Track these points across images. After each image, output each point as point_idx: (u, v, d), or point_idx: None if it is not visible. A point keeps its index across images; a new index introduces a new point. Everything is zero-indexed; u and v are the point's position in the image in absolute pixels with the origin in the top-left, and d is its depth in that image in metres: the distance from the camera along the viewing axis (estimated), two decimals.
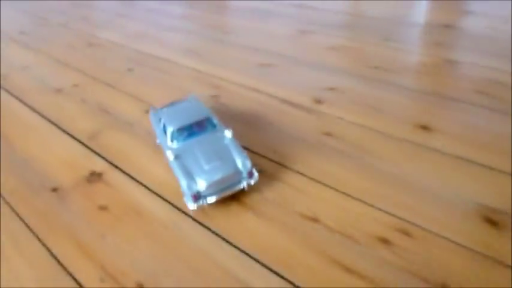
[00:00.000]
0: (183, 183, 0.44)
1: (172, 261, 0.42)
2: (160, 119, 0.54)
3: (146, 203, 0.51)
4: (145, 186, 0.54)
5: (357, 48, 0.95)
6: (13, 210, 0.51)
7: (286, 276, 0.39)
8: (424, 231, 0.44)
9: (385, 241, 0.43)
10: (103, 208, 0.51)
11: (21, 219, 0.49)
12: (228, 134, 0.49)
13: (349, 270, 0.40)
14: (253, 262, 0.41)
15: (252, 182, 0.47)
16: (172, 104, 0.57)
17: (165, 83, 0.84)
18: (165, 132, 0.51)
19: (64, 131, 0.68)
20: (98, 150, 0.62)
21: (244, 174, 0.47)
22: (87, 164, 0.59)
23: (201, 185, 0.44)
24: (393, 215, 0.46)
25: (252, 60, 0.92)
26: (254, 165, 0.55)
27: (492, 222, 0.44)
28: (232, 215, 0.48)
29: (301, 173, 0.54)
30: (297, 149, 0.59)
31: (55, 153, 0.62)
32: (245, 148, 0.60)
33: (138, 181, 0.55)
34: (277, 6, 1.37)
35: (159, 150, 0.61)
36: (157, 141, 0.56)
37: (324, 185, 0.52)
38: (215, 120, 0.52)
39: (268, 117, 0.68)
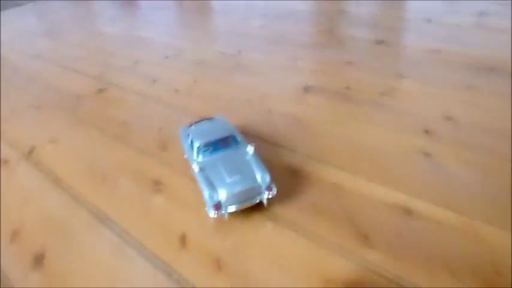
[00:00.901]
0: (206, 193, 0.45)
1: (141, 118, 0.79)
2: (188, 135, 0.55)
3: (129, 96, 0.88)
4: (131, 90, 0.91)
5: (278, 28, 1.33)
6: (51, 108, 0.88)
7: None
8: (267, 96, 0.81)
9: (251, 100, 0.80)
10: (107, 100, 0.88)
11: (58, 108, 0.87)
12: (250, 150, 0.50)
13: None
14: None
15: (270, 195, 0.47)
16: (200, 121, 0.58)
17: (144, 47, 1.22)
18: (192, 147, 0.52)
19: (80, 73, 1.06)
20: (103, 80, 1.00)
21: (263, 189, 0.47)
22: (96, 85, 0.97)
23: (222, 195, 0.45)
24: (255, 90, 0.83)
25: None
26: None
27: (306, 90, 0.81)
28: None
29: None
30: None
31: (76, 83, 1.00)
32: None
33: (126, 89, 0.92)
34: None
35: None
36: (185, 155, 0.57)
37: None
38: (239, 138, 0.53)
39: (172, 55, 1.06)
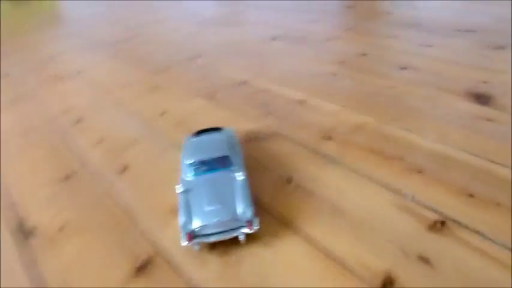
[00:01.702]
0: (181, 220, 0.41)
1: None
2: (186, 148, 0.49)
3: (150, 40, 1.15)
4: (151, 37, 1.18)
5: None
6: (95, 48, 1.17)
7: None
8: (243, 41, 1.05)
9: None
10: (135, 43, 1.15)
11: (99, 48, 1.15)
12: (240, 176, 0.44)
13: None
14: None
15: (250, 231, 0.41)
16: (205, 131, 0.53)
17: (169, 10, 1.49)
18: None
19: (120, 26, 1.34)
20: (135, 31, 1.28)
21: (243, 223, 0.41)
22: (129, 34, 1.25)
23: (196, 225, 0.40)
24: (237, 37, 1.08)
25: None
26: None
27: (274, 38, 1.05)
28: None
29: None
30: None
31: (115, 33, 1.28)
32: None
33: (148, 37, 1.19)
34: None
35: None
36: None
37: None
38: (234, 159, 0.46)
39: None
